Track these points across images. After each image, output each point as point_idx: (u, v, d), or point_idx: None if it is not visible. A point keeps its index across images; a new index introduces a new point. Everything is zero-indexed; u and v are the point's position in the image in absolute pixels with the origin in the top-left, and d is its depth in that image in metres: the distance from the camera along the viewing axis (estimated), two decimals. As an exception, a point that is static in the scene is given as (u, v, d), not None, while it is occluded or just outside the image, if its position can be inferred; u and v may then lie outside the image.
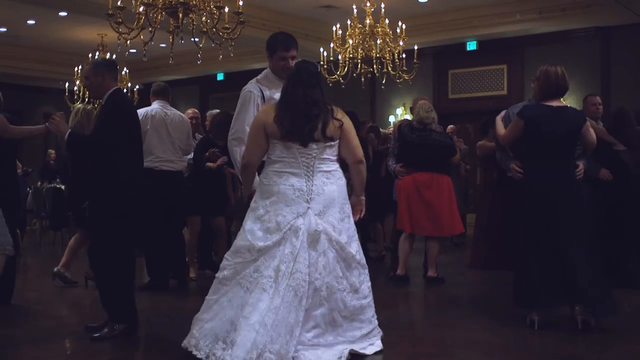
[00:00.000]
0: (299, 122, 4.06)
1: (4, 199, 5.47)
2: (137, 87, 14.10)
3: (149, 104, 7.07)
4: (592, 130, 5.23)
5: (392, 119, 14.22)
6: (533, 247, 4.97)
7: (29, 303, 6.02)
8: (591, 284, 4.82)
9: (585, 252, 4.89)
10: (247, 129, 4.48)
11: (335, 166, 4.22)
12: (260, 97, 4.67)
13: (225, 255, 4.12)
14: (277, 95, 4.67)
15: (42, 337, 4.78)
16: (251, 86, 4.71)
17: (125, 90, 13.26)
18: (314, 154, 4.11)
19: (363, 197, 4.36)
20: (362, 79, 10.42)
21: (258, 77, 4.80)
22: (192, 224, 7.28)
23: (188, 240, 7.35)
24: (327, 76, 10.11)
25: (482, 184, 8.43)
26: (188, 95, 17.18)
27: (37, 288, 6.26)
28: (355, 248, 4.16)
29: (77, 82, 12.95)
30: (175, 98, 16.13)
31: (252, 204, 4.16)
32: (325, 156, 4.16)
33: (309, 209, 4.04)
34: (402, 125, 7.09)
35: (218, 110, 8.72)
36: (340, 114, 4.21)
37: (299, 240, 3.97)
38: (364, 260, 4.21)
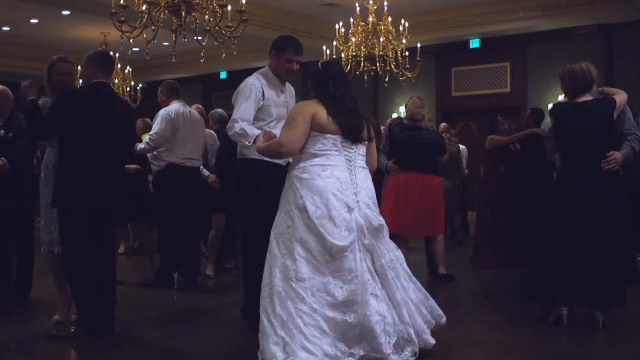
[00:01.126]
0: (353, 121, 4.10)
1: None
2: (140, 85, 14.12)
3: (154, 102, 7.17)
4: (622, 104, 5.12)
5: (395, 117, 14.22)
6: (559, 243, 4.94)
7: (32, 301, 6.02)
8: (610, 285, 4.83)
9: (609, 253, 4.87)
10: (251, 116, 4.63)
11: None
12: (262, 94, 4.72)
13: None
14: (274, 94, 4.79)
15: (44, 336, 4.79)
16: (255, 80, 4.77)
17: (128, 89, 13.34)
18: (355, 149, 4.14)
19: None
20: (365, 77, 10.42)
21: (258, 72, 4.86)
22: (217, 222, 7.41)
23: (211, 238, 7.47)
24: (329, 74, 10.09)
25: (486, 180, 8.38)
26: (191, 93, 17.14)
27: (40, 286, 6.26)
28: None
29: (81, 81, 12.95)
30: (178, 96, 16.17)
31: (297, 201, 3.96)
32: (362, 153, 4.20)
33: (359, 202, 4.01)
34: (392, 124, 7.12)
35: (221, 110, 8.76)
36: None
37: (365, 235, 3.96)
38: None
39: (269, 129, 4.56)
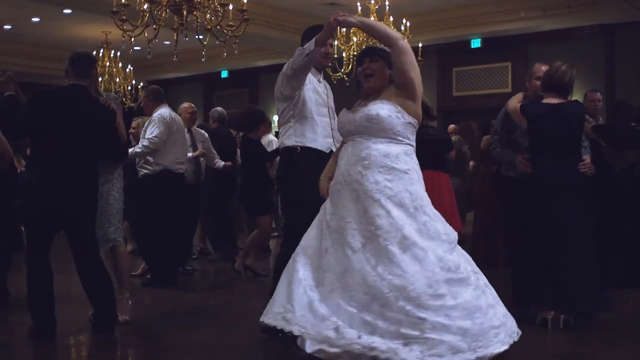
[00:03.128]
0: None
1: None
2: (142, 84, 14.12)
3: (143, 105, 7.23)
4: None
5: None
6: (533, 243, 4.98)
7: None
8: (577, 284, 4.86)
9: (580, 251, 4.91)
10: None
11: None
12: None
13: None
14: (314, 81, 4.71)
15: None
16: None
17: (129, 88, 13.36)
18: None
19: None
20: (366, 77, 10.40)
21: None
22: (264, 223, 7.41)
23: (255, 239, 7.46)
24: (331, 74, 10.12)
25: (481, 180, 8.40)
26: (192, 92, 17.17)
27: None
28: None
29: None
30: (180, 95, 16.16)
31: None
32: None
33: None
34: None
35: (220, 108, 8.77)
36: None
37: None
38: None
39: (311, 115, 4.58)
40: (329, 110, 4.76)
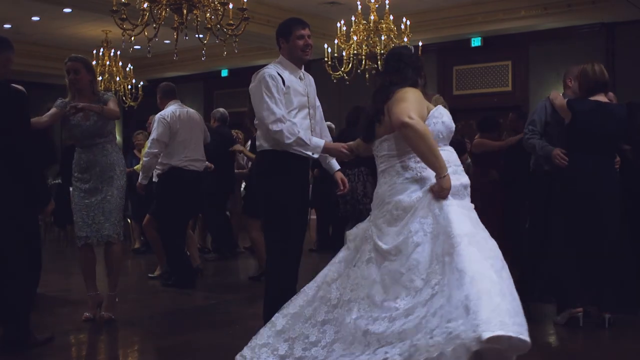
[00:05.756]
0: (362, 119, 3.77)
1: None
2: (142, 83, 14.11)
3: (156, 100, 7.17)
4: None
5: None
6: (571, 242, 4.97)
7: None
8: (616, 283, 4.88)
9: (619, 250, 4.94)
10: (285, 110, 4.26)
11: (392, 162, 3.64)
12: (281, 81, 4.33)
13: None
14: (294, 81, 4.42)
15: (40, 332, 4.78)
16: (271, 70, 4.37)
17: (129, 87, 13.34)
18: (375, 153, 3.72)
19: (441, 178, 3.47)
20: (367, 75, 10.40)
21: (273, 63, 4.53)
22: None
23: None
24: (331, 72, 10.12)
25: (481, 184, 8.27)
26: (192, 91, 17.17)
27: (40, 284, 6.26)
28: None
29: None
30: (180, 94, 16.11)
31: None
32: (383, 153, 3.68)
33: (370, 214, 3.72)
34: None
35: (222, 109, 8.75)
36: (401, 92, 3.59)
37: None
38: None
39: (289, 120, 4.25)
40: (309, 111, 4.49)
